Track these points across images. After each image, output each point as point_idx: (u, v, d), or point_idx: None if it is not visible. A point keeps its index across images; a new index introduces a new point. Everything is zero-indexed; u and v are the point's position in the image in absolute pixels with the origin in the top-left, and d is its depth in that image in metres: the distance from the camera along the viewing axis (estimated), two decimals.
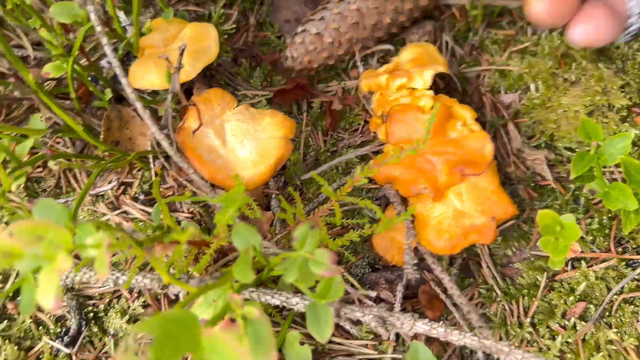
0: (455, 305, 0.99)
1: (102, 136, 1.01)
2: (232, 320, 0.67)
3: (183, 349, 0.58)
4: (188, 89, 1.14)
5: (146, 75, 1.01)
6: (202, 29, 1.07)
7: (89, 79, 1.06)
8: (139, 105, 0.88)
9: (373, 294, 0.91)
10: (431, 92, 1.00)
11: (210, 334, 0.59)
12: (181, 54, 0.90)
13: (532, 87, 1.12)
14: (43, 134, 0.93)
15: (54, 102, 0.88)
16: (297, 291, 0.96)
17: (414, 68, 1.03)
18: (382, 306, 0.92)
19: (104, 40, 0.86)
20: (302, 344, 0.91)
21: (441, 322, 0.87)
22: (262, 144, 0.92)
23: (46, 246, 0.61)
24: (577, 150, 1.06)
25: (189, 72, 1.01)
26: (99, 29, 0.84)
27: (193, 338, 0.58)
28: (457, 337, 0.85)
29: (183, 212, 1.06)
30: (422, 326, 0.87)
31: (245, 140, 0.92)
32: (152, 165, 1.06)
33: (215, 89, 0.96)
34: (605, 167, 1.04)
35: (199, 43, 1.05)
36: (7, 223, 1.05)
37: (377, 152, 1.09)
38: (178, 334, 0.58)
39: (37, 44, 1.20)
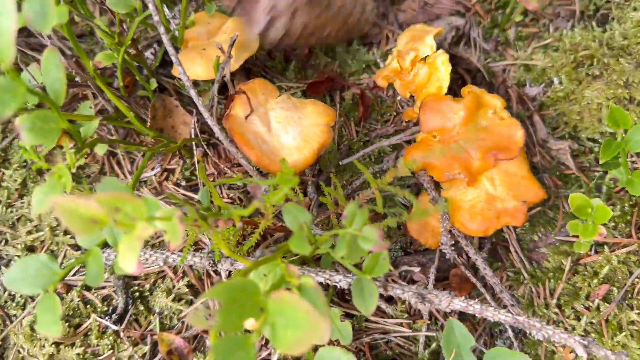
0: (485, 286, 1.04)
1: (149, 123, 1.06)
2: (288, 290, 0.71)
3: (247, 314, 0.62)
4: (225, 82, 1.19)
5: (191, 67, 1.06)
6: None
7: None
8: (193, 92, 0.93)
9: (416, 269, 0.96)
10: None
11: (277, 297, 0.63)
12: (231, 45, 0.95)
13: (556, 80, 1.17)
14: (95, 120, 0.97)
15: (109, 90, 0.93)
16: (337, 271, 1.00)
17: (415, 43, 1.09)
18: (420, 285, 0.97)
19: (161, 29, 0.91)
20: (342, 320, 0.95)
21: (477, 299, 0.92)
22: (305, 131, 0.97)
23: (123, 216, 0.66)
24: (600, 141, 1.11)
25: (233, 63, 1.06)
26: (156, 18, 0.89)
27: (256, 304, 0.63)
28: (492, 313, 0.90)
29: (223, 197, 1.11)
30: (459, 303, 0.91)
31: (289, 127, 0.97)
32: (195, 152, 1.10)
33: (258, 79, 1.01)
34: (628, 156, 1.10)
35: (240, 36, 1.10)
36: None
37: (409, 142, 1.14)
38: (242, 300, 0.62)
39: (79, 36, 1.25)
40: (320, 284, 0.98)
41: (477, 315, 0.89)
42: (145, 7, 1.18)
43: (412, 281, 1.05)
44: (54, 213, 1.05)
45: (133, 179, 0.90)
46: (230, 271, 1.02)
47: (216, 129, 0.96)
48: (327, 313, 0.72)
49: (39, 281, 0.75)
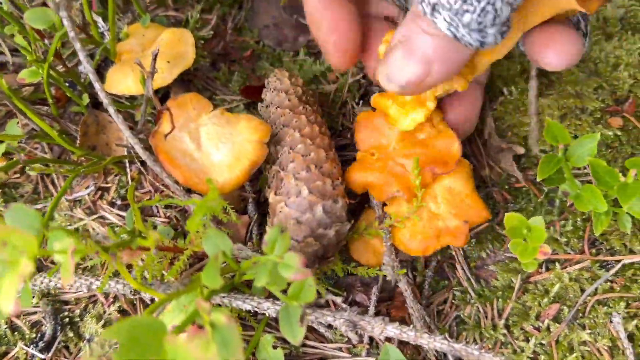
0: (428, 306, 1.00)
1: (78, 141, 1.02)
2: (200, 327, 0.67)
3: (149, 355, 0.58)
4: (166, 94, 1.15)
5: (123, 81, 1.02)
6: (178, 34, 1.08)
7: (67, 84, 1.06)
8: (111, 109, 0.89)
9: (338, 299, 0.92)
10: None
11: (173, 342, 0.59)
12: (154, 59, 0.90)
13: (505, 91, 1.13)
14: (19, 139, 0.93)
15: (29, 108, 0.89)
16: (269, 296, 0.96)
17: None
18: (355, 309, 0.92)
19: (77, 45, 0.86)
20: (275, 347, 0.91)
21: (411, 326, 0.88)
22: (237, 148, 0.93)
23: (10, 251, 0.62)
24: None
25: (165, 77, 1.01)
26: (72, 34, 0.85)
27: (159, 345, 0.59)
28: (426, 341, 0.86)
29: (160, 216, 1.07)
30: (393, 330, 0.87)
31: (220, 144, 0.92)
32: (128, 170, 1.06)
33: (191, 93, 0.97)
34: (578, 169, 1.05)
35: (175, 48, 1.06)
36: None
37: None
38: (144, 340, 0.58)
39: (16, 50, 1.20)
40: (249, 311, 0.94)
41: (411, 342, 0.85)
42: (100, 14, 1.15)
43: (354, 302, 1.01)
44: None
45: (52, 204, 0.86)
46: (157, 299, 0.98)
47: (138, 148, 0.91)
48: (239, 350, 0.67)
49: None
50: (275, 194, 0.92)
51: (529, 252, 0.83)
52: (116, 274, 1.01)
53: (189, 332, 0.65)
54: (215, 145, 0.93)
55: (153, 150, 0.92)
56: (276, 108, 0.99)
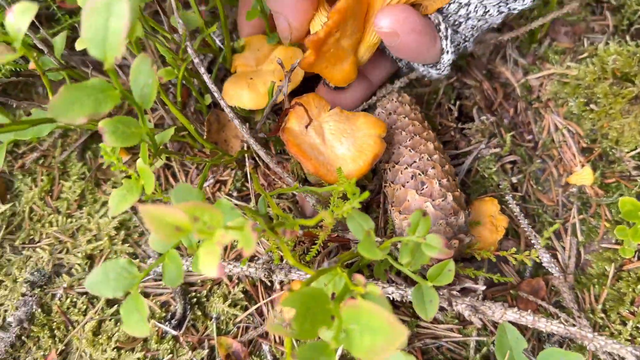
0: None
1: (205, 136, 1.11)
2: (353, 298, 0.74)
3: (320, 322, 0.66)
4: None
5: (238, 96, 1.08)
6: (291, 52, 1.14)
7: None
8: (237, 122, 0.98)
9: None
10: None
11: (351, 305, 0.66)
12: (292, 70, 1.01)
13: (591, 94, 1.21)
14: (170, 129, 1.02)
15: (172, 104, 0.98)
16: (390, 281, 1.04)
17: None
18: (472, 295, 1.00)
19: (202, 70, 0.95)
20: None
21: (529, 310, 0.95)
22: (358, 142, 1.01)
23: (202, 225, 0.70)
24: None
25: (284, 91, 1.08)
26: (196, 61, 0.94)
27: (327, 312, 0.66)
28: (544, 325, 0.93)
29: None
30: (512, 314, 0.94)
31: (342, 139, 1.01)
32: (246, 164, 1.15)
33: (311, 93, 1.06)
34: None
35: (288, 66, 1.12)
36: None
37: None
38: (315, 308, 0.66)
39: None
40: None
41: (529, 325, 0.92)
42: (207, 24, 1.24)
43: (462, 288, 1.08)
44: (141, 219, 1.10)
45: (199, 185, 0.95)
46: (282, 281, 1.06)
47: (253, 144, 1.00)
48: (395, 320, 0.75)
49: (120, 284, 0.79)
50: (418, 193, 0.99)
51: (638, 234, 0.91)
52: (237, 259, 1.09)
53: (353, 302, 0.72)
54: (339, 139, 1.02)
55: (285, 144, 1.01)
56: (401, 132, 1.08)
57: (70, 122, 0.67)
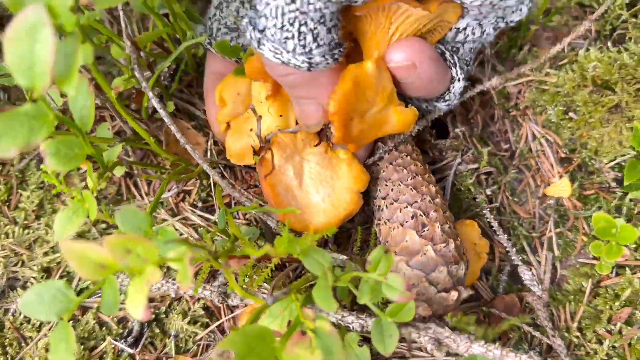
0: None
1: (164, 148, 1.07)
2: (303, 333, 0.70)
3: None
4: None
5: (250, 154, 1.00)
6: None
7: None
8: (188, 147, 0.94)
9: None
10: None
11: (292, 352, 0.62)
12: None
13: (570, 102, 1.16)
14: (112, 142, 0.98)
15: (128, 113, 0.93)
16: (351, 309, 0.99)
17: None
18: (437, 323, 0.94)
19: (150, 94, 0.90)
20: (360, 345, 0.94)
21: (497, 344, 0.90)
22: (336, 194, 0.95)
23: (134, 259, 0.64)
24: (622, 164, 1.10)
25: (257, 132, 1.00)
26: (144, 84, 0.88)
27: (271, 353, 0.62)
28: (512, 359, 0.88)
29: (239, 218, 1.11)
30: (479, 348, 0.89)
31: (320, 187, 0.95)
32: (210, 174, 1.10)
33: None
34: None
35: (278, 96, 1.00)
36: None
37: None
38: (258, 349, 0.61)
39: (97, 58, 1.26)
40: (332, 323, 0.97)
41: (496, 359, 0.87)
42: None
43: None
44: (64, 257, 1.05)
45: (151, 205, 0.90)
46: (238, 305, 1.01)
47: (217, 178, 0.96)
48: (342, 358, 0.70)
49: (54, 308, 0.74)
50: (418, 234, 0.92)
51: (613, 252, 0.87)
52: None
53: (293, 339, 0.68)
54: (316, 187, 0.96)
55: (259, 181, 0.95)
56: (402, 169, 1.00)
57: (2, 155, 0.62)
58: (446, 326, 0.92)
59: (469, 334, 0.87)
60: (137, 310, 0.61)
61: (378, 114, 0.91)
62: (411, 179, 0.97)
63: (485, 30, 0.92)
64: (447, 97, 0.97)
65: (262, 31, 0.77)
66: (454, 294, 0.89)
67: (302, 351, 0.64)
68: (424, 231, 0.91)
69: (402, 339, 0.99)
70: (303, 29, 0.75)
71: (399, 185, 0.97)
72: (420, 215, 0.93)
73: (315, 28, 0.76)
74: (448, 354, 0.93)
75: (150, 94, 0.90)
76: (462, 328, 0.89)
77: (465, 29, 0.91)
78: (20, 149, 0.66)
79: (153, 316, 1.03)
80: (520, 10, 0.89)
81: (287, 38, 0.76)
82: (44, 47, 0.63)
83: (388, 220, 0.95)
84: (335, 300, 0.75)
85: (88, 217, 1.08)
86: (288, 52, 0.77)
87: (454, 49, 0.95)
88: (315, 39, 0.77)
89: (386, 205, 0.97)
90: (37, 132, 0.68)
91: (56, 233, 0.82)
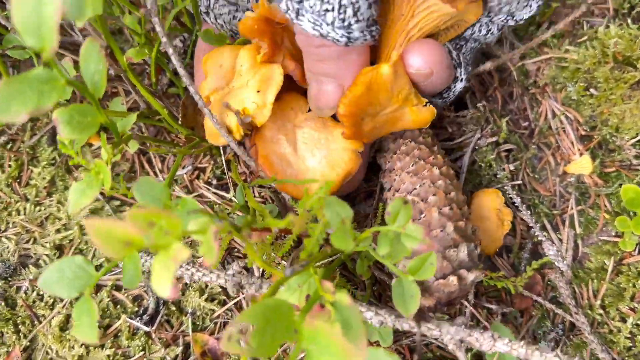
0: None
1: (180, 121, 1.04)
2: (322, 307, 0.68)
3: (281, 337, 0.59)
4: None
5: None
6: (253, 51, 0.94)
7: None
8: (206, 110, 0.88)
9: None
10: None
11: (309, 324, 0.60)
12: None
13: (590, 78, 1.15)
14: (132, 115, 0.95)
15: (143, 86, 0.91)
16: (370, 303, 0.97)
17: None
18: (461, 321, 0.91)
19: (170, 50, 0.85)
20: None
21: (522, 342, 0.87)
22: (332, 155, 0.91)
23: (157, 233, 0.62)
24: None
25: (264, 113, 0.90)
26: (164, 40, 0.84)
27: (290, 326, 0.60)
28: (537, 358, 0.86)
29: (255, 196, 1.09)
30: (503, 346, 0.86)
31: (315, 150, 0.91)
32: (221, 152, 1.08)
33: (291, 92, 0.96)
34: None
35: (260, 70, 0.93)
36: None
37: None
38: (276, 322, 0.59)
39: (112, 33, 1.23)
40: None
41: (521, 357, 0.85)
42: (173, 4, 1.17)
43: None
44: (87, 234, 1.03)
45: (167, 179, 0.88)
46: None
47: (232, 143, 0.90)
48: (362, 331, 0.67)
49: (76, 284, 0.71)
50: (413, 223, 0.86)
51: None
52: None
53: (312, 312, 0.66)
54: (311, 150, 0.91)
55: (249, 153, 0.93)
56: (405, 156, 0.98)
57: (11, 121, 0.60)
58: (463, 324, 0.89)
59: (492, 332, 0.85)
60: (164, 288, 0.58)
61: (392, 114, 0.90)
62: (413, 165, 0.94)
63: (491, 29, 0.91)
64: (445, 95, 0.96)
65: (300, 2, 0.74)
66: (452, 279, 0.85)
67: (322, 324, 0.62)
68: (420, 218, 0.89)
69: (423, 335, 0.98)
70: (344, 1, 0.73)
71: (401, 173, 0.95)
72: (417, 202, 0.90)
73: (357, 1, 0.73)
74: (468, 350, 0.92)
75: (170, 50, 0.85)
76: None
77: (474, 25, 0.89)
78: (31, 113, 0.63)
79: (180, 294, 1.01)
80: (530, 6, 0.87)
81: (326, 10, 0.73)
82: (50, 6, 0.61)
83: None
84: (351, 240, 0.73)
85: (102, 193, 1.07)
86: (327, 24, 0.75)
87: (458, 46, 0.93)
88: (355, 14, 0.74)
89: (389, 198, 0.96)
90: (47, 97, 0.66)
91: (70, 205, 0.80)
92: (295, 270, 0.91)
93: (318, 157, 0.91)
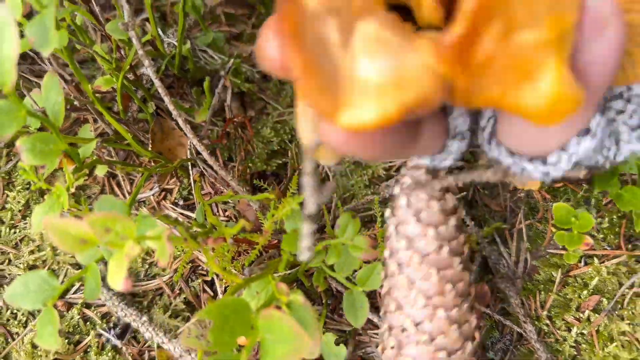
0: None
1: (150, 146, 1.10)
2: (278, 308, 0.74)
3: (239, 332, 0.65)
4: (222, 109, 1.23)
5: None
6: None
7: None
8: (180, 120, 0.96)
9: None
10: None
11: (265, 315, 0.66)
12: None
13: None
14: (92, 141, 1.01)
15: (108, 113, 0.97)
16: (328, 290, 1.03)
17: None
18: None
19: (146, 62, 0.93)
20: (337, 343, 0.97)
21: None
22: (404, 69, 0.45)
23: (114, 236, 0.68)
24: None
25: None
26: (141, 52, 0.91)
27: (247, 322, 0.66)
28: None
29: (219, 215, 1.14)
30: None
31: (378, 54, 0.44)
32: (191, 172, 1.14)
33: None
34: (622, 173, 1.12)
35: None
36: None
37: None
38: (234, 319, 0.65)
39: (80, 62, 1.30)
40: None
41: None
42: (144, 32, 1.23)
43: None
44: (47, 233, 1.09)
45: (130, 197, 0.94)
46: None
47: (205, 155, 0.98)
48: (316, 328, 0.73)
49: (40, 296, 0.78)
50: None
51: (575, 240, 0.90)
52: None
53: (267, 312, 0.71)
54: (372, 53, 0.50)
55: (227, 150, 0.99)
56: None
57: None
58: None
59: None
60: (118, 282, 0.64)
61: (528, 49, 0.44)
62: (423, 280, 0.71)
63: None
64: (550, 161, 0.47)
65: None
66: None
67: (276, 312, 0.66)
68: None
69: (375, 326, 1.03)
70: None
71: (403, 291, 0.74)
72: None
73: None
74: None
75: (147, 62, 0.92)
76: None
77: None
78: None
79: (132, 287, 1.06)
80: None
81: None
82: (10, 45, 0.67)
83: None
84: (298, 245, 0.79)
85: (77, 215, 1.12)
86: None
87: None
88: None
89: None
90: (7, 127, 0.73)
91: (33, 226, 0.86)
92: (253, 271, 0.97)
93: (380, 65, 0.45)
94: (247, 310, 0.67)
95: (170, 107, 0.98)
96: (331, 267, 0.90)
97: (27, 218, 1.16)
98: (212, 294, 1.07)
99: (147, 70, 0.93)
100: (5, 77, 0.68)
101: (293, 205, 0.87)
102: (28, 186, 1.18)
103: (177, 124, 1.19)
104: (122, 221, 0.68)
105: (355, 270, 0.87)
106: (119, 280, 0.65)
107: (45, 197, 1.14)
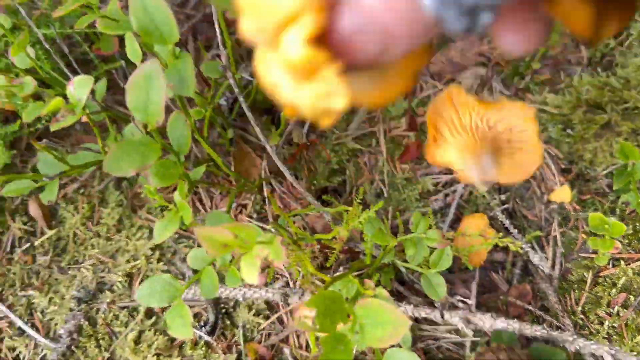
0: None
1: (232, 167, 1.27)
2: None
3: (337, 319, 0.81)
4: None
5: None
6: None
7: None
8: (268, 146, 1.14)
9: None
10: None
11: (363, 304, 0.82)
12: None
13: (567, 120, 1.37)
14: (202, 167, 1.16)
15: (206, 142, 1.13)
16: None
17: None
18: (463, 307, 1.14)
19: (241, 98, 1.10)
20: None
21: (515, 319, 1.09)
22: None
23: (240, 241, 0.84)
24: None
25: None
26: (236, 90, 1.09)
27: (343, 311, 0.82)
28: (529, 331, 1.07)
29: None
30: (501, 323, 1.09)
31: None
32: (264, 189, 1.31)
33: None
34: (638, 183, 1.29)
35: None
36: None
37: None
38: (333, 308, 0.81)
39: None
40: None
41: (516, 332, 1.07)
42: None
43: (454, 294, 1.23)
44: (197, 239, 1.24)
45: (228, 207, 1.11)
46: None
47: (283, 169, 1.15)
48: (402, 315, 0.90)
49: (165, 295, 0.94)
50: None
51: (607, 244, 1.06)
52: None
53: (365, 301, 0.87)
54: None
55: (298, 169, 1.16)
56: None
57: (122, 175, 0.83)
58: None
59: (492, 313, 1.07)
60: (253, 277, 0.78)
61: None
62: None
63: None
64: None
65: None
66: None
67: (373, 300, 0.82)
68: None
69: (431, 322, 1.19)
70: None
71: None
72: None
73: None
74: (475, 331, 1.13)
75: (242, 99, 1.10)
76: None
77: None
78: (137, 170, 0.87)
79: (264, 280, 1.22)
80: None
81: None
82: (157, 92, 0.85)
83: None
84: (389, 237, 0.95)
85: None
86: None
87: None
88: None
89: None
90: (148, 157, 0.90)
91: (155, 237, 1.02)
92: (337, 273, 1.13)
93: None
94: (342, 301, 0.83)
95: (258, 133, 1.15)
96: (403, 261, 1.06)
97: (122, 231, 1.32)
98: (290, 302, 1.23)
99: (242, 104, 1.10)
100: (152, 118, 0.85)
101: (370, 213, 1.04)
102: (121, 203, 1.35)
103: (251, 148, 1.36)
104: (246, 229, 0.84)
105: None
106: (253, 275, 0.80)
107: (140, 214, 1.31)
